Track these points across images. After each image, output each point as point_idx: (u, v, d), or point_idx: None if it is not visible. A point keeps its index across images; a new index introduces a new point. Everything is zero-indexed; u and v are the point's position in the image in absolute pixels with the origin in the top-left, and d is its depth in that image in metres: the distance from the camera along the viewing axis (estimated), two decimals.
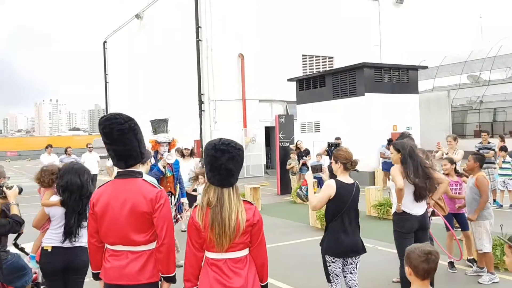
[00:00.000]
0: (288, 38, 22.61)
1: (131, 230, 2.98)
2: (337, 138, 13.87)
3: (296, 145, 14.48)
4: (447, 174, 6.52)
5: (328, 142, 13.09)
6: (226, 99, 21.33)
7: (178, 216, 6.87)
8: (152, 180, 3.33)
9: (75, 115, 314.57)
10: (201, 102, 21.40)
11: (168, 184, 6.67)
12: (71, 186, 3.88)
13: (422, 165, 4.79)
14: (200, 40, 21.31)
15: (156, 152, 6.67)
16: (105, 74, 33.84)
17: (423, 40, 27.41)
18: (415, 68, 17.49)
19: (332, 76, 17.47)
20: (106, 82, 33.86)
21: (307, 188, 4.43)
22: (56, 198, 3.99)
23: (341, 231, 4.10)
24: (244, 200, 2.98)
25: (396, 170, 4.87)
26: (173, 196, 6.72)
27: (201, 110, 21.39)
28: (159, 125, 6.75)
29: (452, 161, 6.76)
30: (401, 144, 4.93)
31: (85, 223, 3.95)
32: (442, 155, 8.98)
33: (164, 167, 6.53)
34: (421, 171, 4.74)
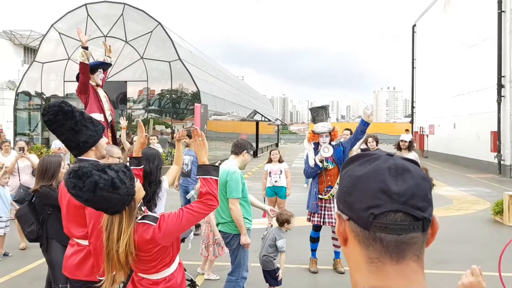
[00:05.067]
0: None
1: (71, 222, 2.90)
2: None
3: None
4: None
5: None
6: None
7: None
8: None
9: (410, 102, 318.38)
10: (500, 86, 17.87)
11: (329, 178, 5.97)
12: None
13: None
14: (503, 11, 17.69)
15: (317, 143, 6.07)
16: (413, 59, 32.76)
17: None
18: None
19: None
20: (413, 68, 32.78)
21: None
22: None
23: None
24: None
25: None
26: (334, 190, 5.96)
27: (500, 96, 17.89)
28: (317, 113, 6.07)
29: None
30: None
31: (155, 209, 4.04)
32: None
33: (321, 161, 5.89)
34: None
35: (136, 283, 2.49)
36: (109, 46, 6.43)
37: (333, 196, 5.90)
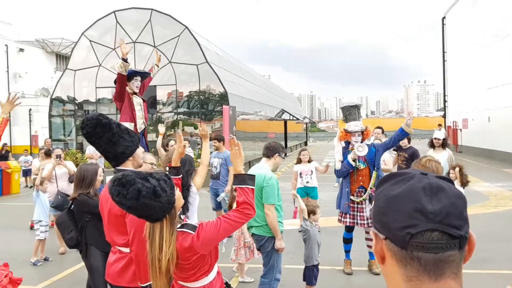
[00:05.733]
0: None
1: (112, 230, 2.97)
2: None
3: None
4: None
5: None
6: None
7: None
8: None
9: (442, 96, 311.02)
10: None
11: (361, 178, 5.90)
12: None
13: None
14: None
15: (348, 142, 6.01)
16: (443, 52, 31.99)
17: None
18: None
19: None
20: (444, 61, 32.02)
21: None
22: None
23: None
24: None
25: None
26: (367, 192, 5.90)
27: None
28: (349, 112, 6.01)
29: None
30: None
31: (188, 214, 4.09)
32: None
33: (354, 160, 5.83)
34: None
35: None
36: (159, 55, 6.51)
37: (365, 200, 5.84)
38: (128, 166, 3.06)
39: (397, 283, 0.89)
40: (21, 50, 32.32)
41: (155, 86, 18.18)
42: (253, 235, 4.63)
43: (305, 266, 4.94)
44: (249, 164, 17.47)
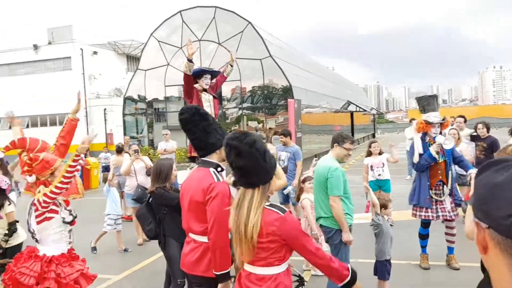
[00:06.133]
0: None
1: (191, 218, 3.08)
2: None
3: None
4: None
5: None
6: None
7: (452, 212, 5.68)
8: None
9: None
10: None
11: (439, 172, 5.66)
12: None
13: None
14: None
15: (425, 134, 5.77)
16: None
17: None
18: None
19: None
20: None
21: None
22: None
23: None
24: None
25: None
26: (445, 186, 5.66)
27: None
28: (428, 102, 5.76)
29: None
30: None
31: None
32: None
33: (437, 152, 5.60)
34: None
35: (243, 279, 2.56)
36: (232, 54, 6.57)
37: (444, 195, 5.63)
38: (213, 158, 3.17)
39: (502, 273, 0.85)
40: (95, 53, 34.25)
41: None
42: (321, 226, 4.59)
43: (377, 260, 4.82)
44: (316, 157, 17.32)
